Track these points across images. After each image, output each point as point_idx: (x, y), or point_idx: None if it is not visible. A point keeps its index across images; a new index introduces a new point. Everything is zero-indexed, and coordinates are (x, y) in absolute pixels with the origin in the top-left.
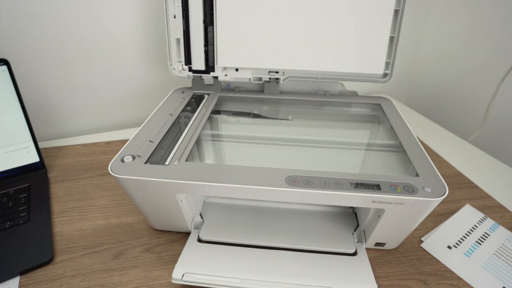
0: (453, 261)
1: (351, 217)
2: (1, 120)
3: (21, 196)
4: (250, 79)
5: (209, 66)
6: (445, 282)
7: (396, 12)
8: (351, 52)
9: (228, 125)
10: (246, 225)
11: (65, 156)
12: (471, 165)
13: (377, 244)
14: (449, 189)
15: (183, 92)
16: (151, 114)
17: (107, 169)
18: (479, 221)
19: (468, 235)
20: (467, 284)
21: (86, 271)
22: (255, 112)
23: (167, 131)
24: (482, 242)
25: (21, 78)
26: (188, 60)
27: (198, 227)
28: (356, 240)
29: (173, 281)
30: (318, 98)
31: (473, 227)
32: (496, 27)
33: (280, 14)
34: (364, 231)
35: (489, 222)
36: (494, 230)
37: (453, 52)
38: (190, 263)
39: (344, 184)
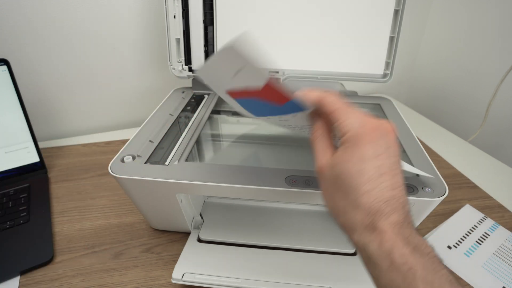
0: (453, 261)
1: None
2: (1, 120)
3: (21, 196)
4: None
5: None
6: None
7: (396, 12)
8: (351, 52)
9: (228, 125)
10: (246, 225)
11: (65, 156)
12: (471, 165)
13: None
14: (449, 189)
15: (183, 92)
16: (151, 114)
17: (107, 169)
18: (479, 221)
19: (468, 235)
20: (467, 284)
21: (86, 271)
22: None
23: (167, 131)
24: (482, 242)
25: (21, 78)
26: (188, 60)
27: (198, 227)
28: None
29: (173, 281)
30: None
31: (473, 227)
32: (495, 28)
33: (280, 14)
34: None
35: (489, 222)
36: (494, 230)
37: (453, 52)
38: (190, 263)
39: None
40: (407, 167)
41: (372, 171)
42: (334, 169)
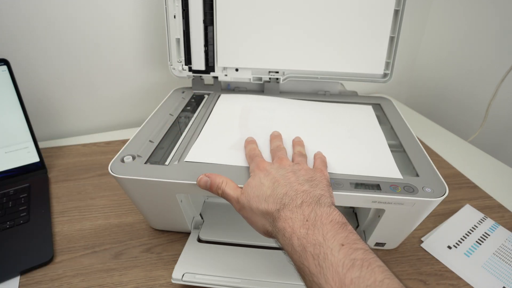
0: (453, 261)
1: (351, 217)
2: (1, 120)
3: (21, 196)
4: (250, 79)
5: (209, 66)
6: (445, 282)
7: (396, 12)
8: (351, 52)
9: None
10: (246, 225)
11: (65, 156)
12: (471, 165)
13: (377, 244)
14: (449, 189)
15: (183, 92)
16: (151, 114)
17: (107, 169)
18: (479, 221)
19: (468, 235)
20: (467, 284)
21: (86, 271)
22: None
23: (167, 131)
24: (482, 242)
25: (21, 78)
26: (188, 60)
27: (198, 227)
28: None
29: (173, 281)
30: (318, 98)
31: (473, 227)
32: (496, 27)
33: (280, 14)
34: (364, 231)
35: (489, 222)
36: (494, 230)
37: (453, 52)
38: (190, 263)
39: (344, 184)
40: (370, 171)
41: (267, 182)
42: (246, 193)
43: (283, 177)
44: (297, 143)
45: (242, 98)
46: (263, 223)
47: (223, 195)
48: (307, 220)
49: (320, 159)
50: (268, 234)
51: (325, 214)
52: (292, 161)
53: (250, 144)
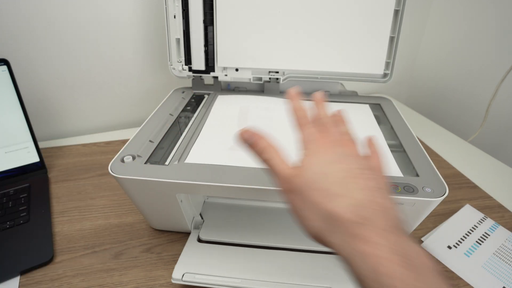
0: (453, 261)
1: None
2: (1, 120)
3: (21, 196)
4: (250, 79)
5: (209, 66)
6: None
7: (396, 12)
8: (351, 52)
9: None
10: (246, 225)
11: (65, 156)
12: (471, 165)
13: None
14: (449, 189)
15: (183, 92)
16: (151, 114)
17: (107, 169)
18: (479, 221)
19: (468, 235)
20: (467, 284)
21: (86, 271)
22: None
23: (167, 131)
24: (482, 242)
25: (21, 78)
26: (188, 60)
27: (198, 227)
28: None
29: (173, 281)
30: None
31: (473, 227)
32: (496, 27)
33: (280, 14)
34: None
35: (489, 222)
36: (494, 230)
37: (453, 52)
38: (190, 263)
39: None
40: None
41: (335, 173)
42: (305, 177)
43: (352, 173)
44: (337, 117)
45: (240, 99)
46: (319, 225)
47: (267, 163)
48: (400, 255)
49: (379, 154)
50: (320, 239)
51: (422, 256)
52: None
53: (295, 101)
